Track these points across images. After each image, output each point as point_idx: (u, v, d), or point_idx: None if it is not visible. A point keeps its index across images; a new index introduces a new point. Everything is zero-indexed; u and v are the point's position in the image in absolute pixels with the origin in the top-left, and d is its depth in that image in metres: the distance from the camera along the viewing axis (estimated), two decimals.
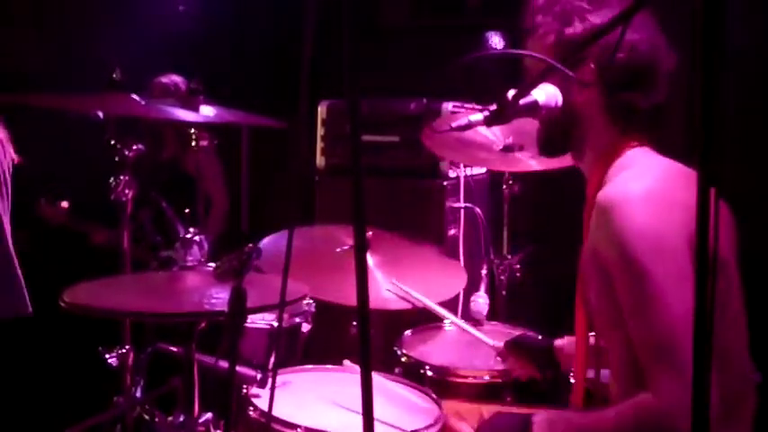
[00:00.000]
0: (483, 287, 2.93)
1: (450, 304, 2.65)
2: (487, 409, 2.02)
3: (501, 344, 2.27)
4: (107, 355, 2.48)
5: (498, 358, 2.28)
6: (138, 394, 2.35)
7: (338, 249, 2.46)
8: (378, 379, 2.10)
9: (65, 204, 3.73)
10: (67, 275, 1.89)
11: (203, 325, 1.93)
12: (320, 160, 3.51)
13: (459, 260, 3.14)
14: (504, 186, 3.05)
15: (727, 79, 0.93)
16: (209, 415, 1.99)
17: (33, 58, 4.04)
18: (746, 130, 3.15)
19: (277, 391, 1.69)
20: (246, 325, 2.43)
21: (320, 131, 3.50)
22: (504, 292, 2.96)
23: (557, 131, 1.78)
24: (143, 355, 2.40)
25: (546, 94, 1.73)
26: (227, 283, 1.65)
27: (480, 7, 4.13)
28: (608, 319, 1.64)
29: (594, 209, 1.63)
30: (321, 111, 3.51)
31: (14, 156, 2.97)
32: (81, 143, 3.06)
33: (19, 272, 2.85)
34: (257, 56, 4.54)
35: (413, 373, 2.32)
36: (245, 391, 2.00)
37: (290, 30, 4.10)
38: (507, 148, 2.66)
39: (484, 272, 2.99)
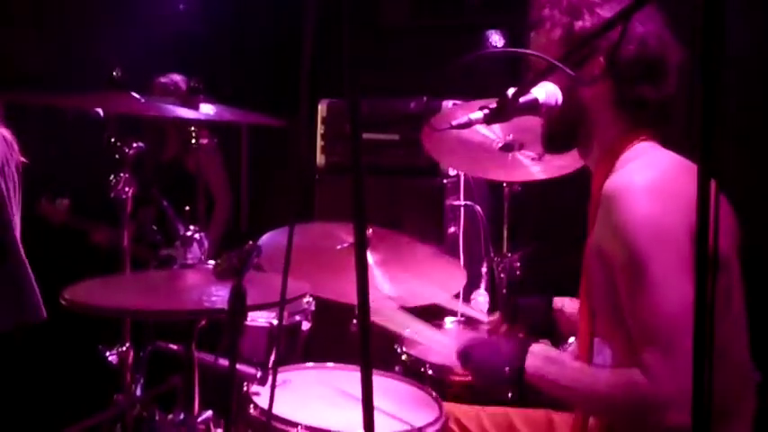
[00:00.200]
0: (483, 285, 2.93)
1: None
2: (488, 410, 2.02)
3: (496, 316, 2.22)
4: (107, 354, 2.47)
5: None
6: (138, 392, 2.36)
7: (338, 247, 2.46)
8: (378, 377, 2.10)
9: (65, 203, 3.74)
10: (68, 274, 1.89)
11: (203, 323, 1.92)
12: (320, 158, 3.52)
13: (459, 258, 3.15)
14: (504, 184, 3.04)
15: (727, 77, 0.93)
16: (209, 413, 1.99)
17: (33, 58, 4.03)
18: (747, 128, 3.15)
19: (277, 390, 1.69)
20: (246, 323, 2.42)
21: (320, 130, 3.51)
22: (504, 290, 2.95)
23: (561, 128, 1.77)
24: (143, 353, 2.40)
25: (546, 91, 1.73)
26: (227, 281, 1.64)
27: (480, 6, 4.12)
28: (610, 315, 1.64)
29: (600, 201, 1.63)
30: (321, 109, 3.52)
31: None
32: (81, 142, 3.06)
33: (32, 276, 2.84)
34: (257, 54, 4.54)
35: (413, 372, 2.32)
36: (245, 389, 2.00)
37: (290, 28, 4.08)
38: (507, 147, 2.65)
39: (484, 270, 2.98)
